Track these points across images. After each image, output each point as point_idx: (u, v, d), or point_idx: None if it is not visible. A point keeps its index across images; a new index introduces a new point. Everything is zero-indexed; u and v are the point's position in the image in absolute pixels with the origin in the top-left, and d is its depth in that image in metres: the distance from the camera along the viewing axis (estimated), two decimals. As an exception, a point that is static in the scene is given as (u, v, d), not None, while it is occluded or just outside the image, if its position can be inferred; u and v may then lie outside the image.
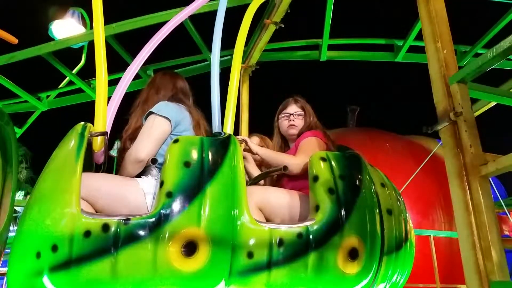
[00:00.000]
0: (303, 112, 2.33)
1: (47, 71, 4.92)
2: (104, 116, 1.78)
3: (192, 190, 1.47)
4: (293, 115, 2.33)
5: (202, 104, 2.14)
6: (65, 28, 5.47)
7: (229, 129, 1.89)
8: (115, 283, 1.36)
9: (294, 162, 1.99)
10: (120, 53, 4.53)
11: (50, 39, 5.20)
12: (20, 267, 1.39)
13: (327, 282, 1.58)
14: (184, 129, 1.93)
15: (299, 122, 2.31)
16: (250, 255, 1.49)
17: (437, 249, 3.80)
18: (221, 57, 2.14)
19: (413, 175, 4.31)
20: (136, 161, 1.76)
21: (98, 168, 1.88)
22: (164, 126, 1.85)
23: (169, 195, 1.45)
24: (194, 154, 1.54)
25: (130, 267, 1.37)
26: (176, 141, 1.59)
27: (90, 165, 1.81)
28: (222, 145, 1.62)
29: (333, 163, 1.76)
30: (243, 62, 4.92)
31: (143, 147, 1.77)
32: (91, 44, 4.95)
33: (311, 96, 2.49)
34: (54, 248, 1.36)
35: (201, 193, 1.47)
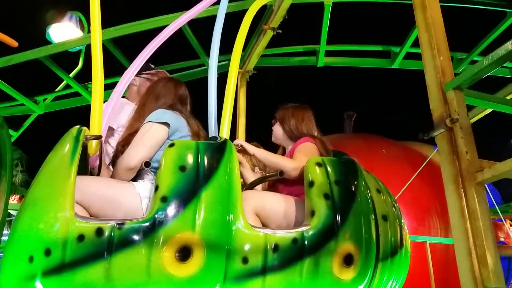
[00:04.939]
0: (276, 120, 2.42)
1: (44, 75, 4.91)
2: (100, 120, 1.78)
3: (187, 195, 1.46)
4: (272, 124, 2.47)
5: (198, 108, 2.13)
6: (63, 31, 5.47)
7: (225, 133, 1.89)
8: (109, 288, 1.35)
9: (290, 165, 1.97)
10: (117, 57, 4.53)
11: (47, 42, 5.20)
12: (12, 271, 1.38)
13: (322, 288, 1.57)
14: (182, 136, 1.90)
15: (275, 128, 2.42)
16: (245, 260, 1.48)
17: (433, 256, 3.79)
18: (218, 61, 2.13)
19: (409, 181, 4.31)
20: (127, 168, 1.74)
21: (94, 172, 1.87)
22: (160, 133, 1.82)
23: (164, 199, 1.44)
24: (190, 159, 1.54)
25: (124, 272, 1.36)
26: (171, 145, 1.58)
27: (85, 169, 1.80)
28: (218, 149, 1.61)
29: (328, 168, 1.76)
30: (240, 67, 4.93)
31: (134, 154, 1.74)
32: (88, 48, 4.94)
33: (308, 102, 2.49)
34: (47, 252, 1.34)
35: (196, 197, 1.46)
